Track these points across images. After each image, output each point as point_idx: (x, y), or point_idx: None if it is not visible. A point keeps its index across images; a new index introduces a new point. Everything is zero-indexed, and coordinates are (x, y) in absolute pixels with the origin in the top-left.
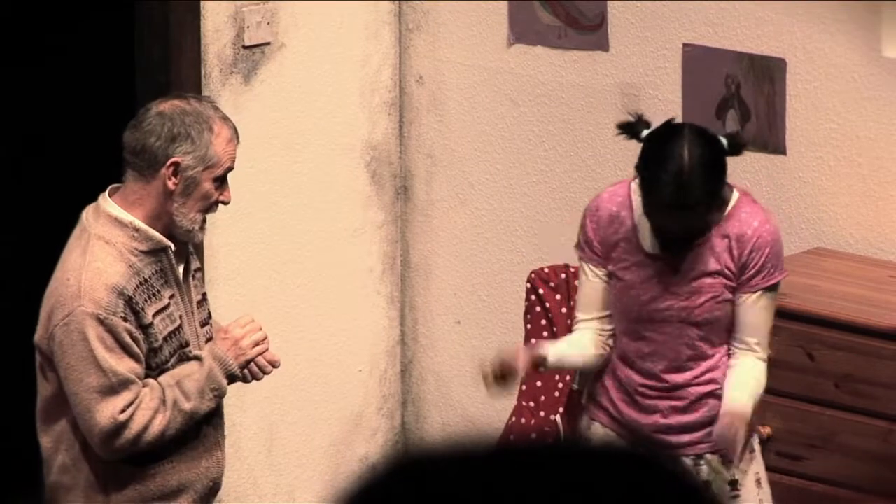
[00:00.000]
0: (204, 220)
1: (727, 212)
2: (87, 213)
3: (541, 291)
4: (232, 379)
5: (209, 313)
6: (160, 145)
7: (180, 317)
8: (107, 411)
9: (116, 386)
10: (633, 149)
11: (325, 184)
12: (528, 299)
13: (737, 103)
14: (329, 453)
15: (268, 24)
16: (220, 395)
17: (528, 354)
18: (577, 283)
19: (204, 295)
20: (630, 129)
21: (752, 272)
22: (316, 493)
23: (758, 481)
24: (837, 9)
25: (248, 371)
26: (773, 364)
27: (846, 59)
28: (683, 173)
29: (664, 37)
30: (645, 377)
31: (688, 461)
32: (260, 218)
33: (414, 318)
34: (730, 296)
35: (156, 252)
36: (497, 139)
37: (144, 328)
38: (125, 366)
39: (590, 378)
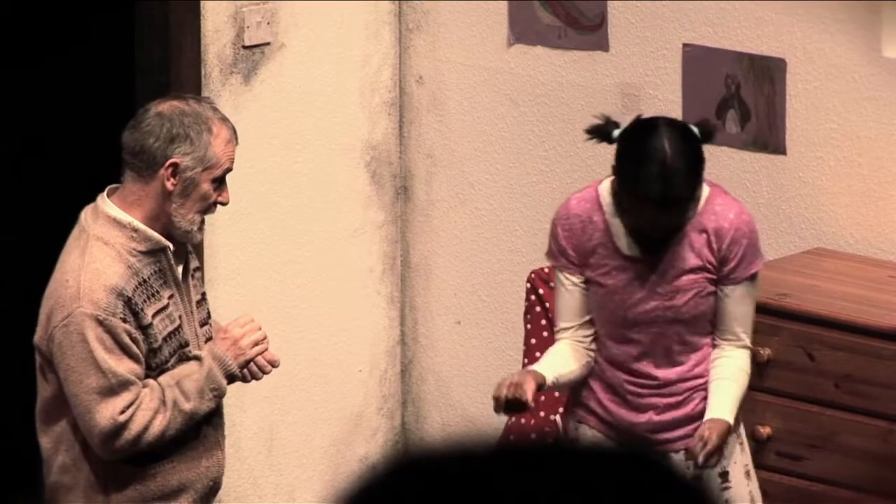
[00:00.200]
0: (202, 221)
1: (701, 206)
2: (86, 214)
3: (541, 291)
4: (231, 379)
5: (208, 313)
6: (159, 146)
7: (179, 317)
8: (106, 412)
9: (116, 387)
10: None
11: (325, 184)
12: (528, 299)
13: (737, 103)
14: (329, 453)
15: (268, 24)
16: (219, 395)
17: (533, 382)
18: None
19: (203, 295)
20: (600, 131)
21: (733, 264)
22: (316, 493)
23: (747, 473)
24: (837, 9)
25: (247, 371)
26: (773, 364)
27: (846, 59)
28: (667, 167)
29: (664, 37)
30: (637, 377)
31: (678, 456)
32: (260, 218)
33: (414, 318)
34: (712, 289)
35: (154, 252)
36: (497, 139)
37: (144, 329)
38: (125, 366)
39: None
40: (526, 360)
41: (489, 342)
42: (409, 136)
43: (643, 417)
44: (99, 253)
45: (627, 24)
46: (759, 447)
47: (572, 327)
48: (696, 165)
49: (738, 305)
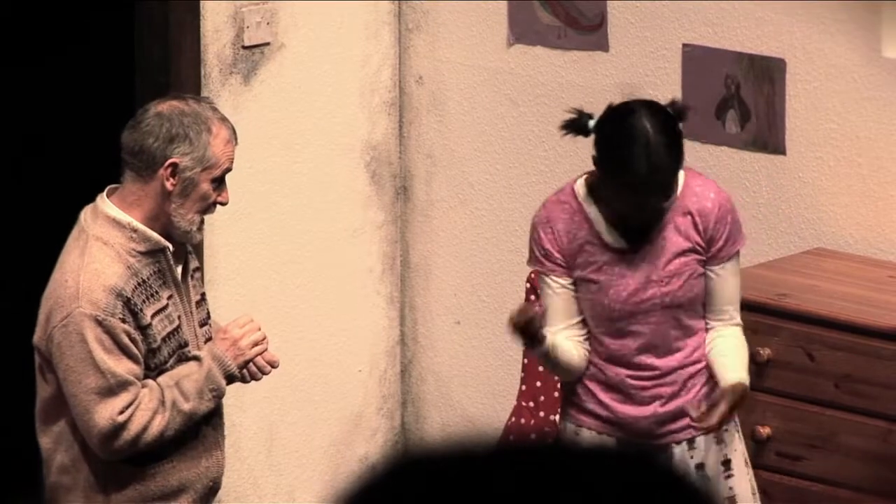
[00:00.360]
0: (202, 221)
1: (680, 189)
2: (86, 214)
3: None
4: (231, 379)
5: (208, 313)
6: (158, 146)
7: (179, 317)
8: (105, 412)
9: (115, 387)
10: None
11: (325, 184)
12: (527, 299)
13: (736, 103)
14: (329, 453)
15: (267, 24)
16: (218, 395)
17: (536, 311)
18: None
19: (203, 295)
20: (574, 125)
21: (720, 243)
22: (316, 493)
23: (745, 461)
24: (837, 9)
25: (247, 371)
26: (772, 364)
27: (846, 59)
28: (651, 145)
29: (664, 37)
30: (638, 370)
31: (681, 447)
32: (260, 218)
33: (414, 318)
34: (702, 270)
35: (154, 253)
36: (497, 139)
37: (143, 329)
38: (124, 367)
39: (569, 387)
40: (525, 361)
41: (489, 342)
42: (409, 137)
43: (648, 410)
44: (98, 253)
45: (627, 25)
46: (759, 447)
47: (562, 329)
48: (677, 140)
49: (727, 283)
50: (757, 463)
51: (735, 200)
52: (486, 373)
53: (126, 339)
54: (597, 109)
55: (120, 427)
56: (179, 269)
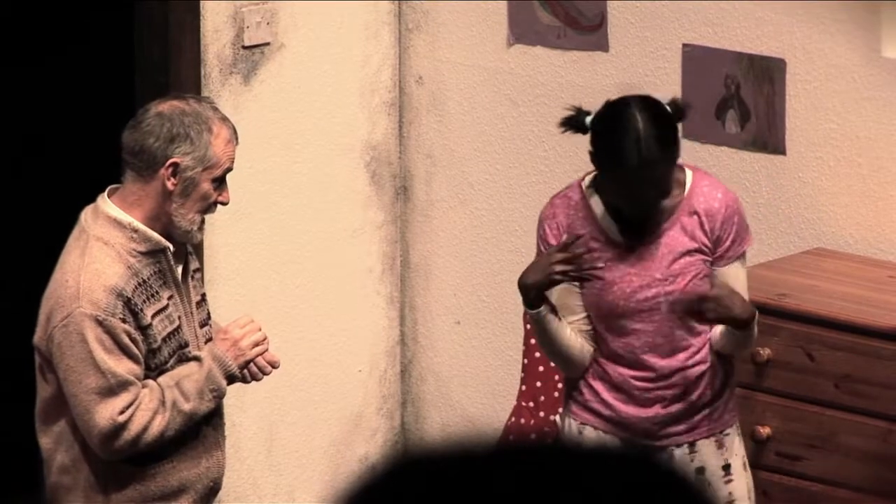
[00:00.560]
0: (202, 221)
1: (687, 189)
2: (86, 214)
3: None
4: (231, 379)
5: (208, 314)
6: (159, 146)
7: (179, 317)
8: (106, 412)
9: (115, 387)
10: None
11: (325, 184)
12: None
13: (736, 103)
14: (329, 453)
15: (267, 24)
16: (219, 395)
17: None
18: None
19: (203, 295)
20: (573, 122)
21: (727, 243)
22: (316, 493)
23: (744, 464)
24: (837, 9)
25: (247, 372)
26: (772, 364)
27: (846, 59)
28: (641, 138)
29: (664, 37)
30: (641, 370)
31: (682, 450)
32: (259, 218)
33: (413, 318)
34: (708, 270)
35: (154, 253)
36: (497, 139)
37: (143, 329)
38: (124, 367)
39: (572, 384)
40: (525, 361)
41: (489, 342)
42: (409, 137)
43: (650, 412)
44: (99, 253)
45: (627, 25)
46: (758, 447)
47: (568, 323)
48: (669, 131)
49: (733, 283)
50: (757, 463)
51: None
52: (486, 373)
53: (126, 340)
54: (596, 110)
55: (120, 427)
56: (180, 270)
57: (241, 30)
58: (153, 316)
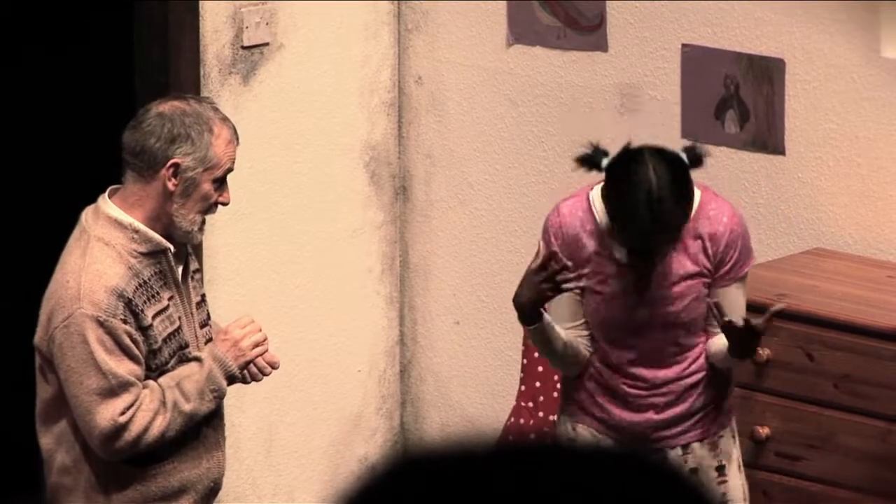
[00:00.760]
0: (203, 222)
1: (695, 210)
2: (87, 215)
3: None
4: (231, 380)
5: (208, 314)
6: (160, 146)
7: (179, 318)
8: (106, 413)
9: (116, 388)
10: None
11: (325, 184)
12: None
13: (736, 104)
14: (328, 454)
15: (267, 24)
16: (219, 396)
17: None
18: None
19: (203, 296)
20: (589, 161)
21: (728, 267)
22: (315, 493)
23: (739, 466)
24: (836, 9)
25: (247, 372)
26: (772, 364)
27: (845, 59)
28: (654, 200)
29: (663, 37)
30: (633, 379)
31: (676, 452)
32: (259, 218)
33: (413, 318)
34: (706, 292)
35: (155, 254)
36: (496, 139)
37: (144, 330)
38: (125, 368)
39: (568, 384)
40: (525, 361)
41: (488, 342)
42: (409, 137)
43: (642, 417)
44: (100, 254)
45: (626, 25)
46: (758, 447)
47: (567, 328)
48: (683, 195)
49: (731, 303)
50: (756, 463)
51: (734, 201)
52: (486, 373)
53: (127, 340)
54: (596, 110)
55: (121, 428)
56: (180, 270)
57: (240, 30)
58: (154, 317)
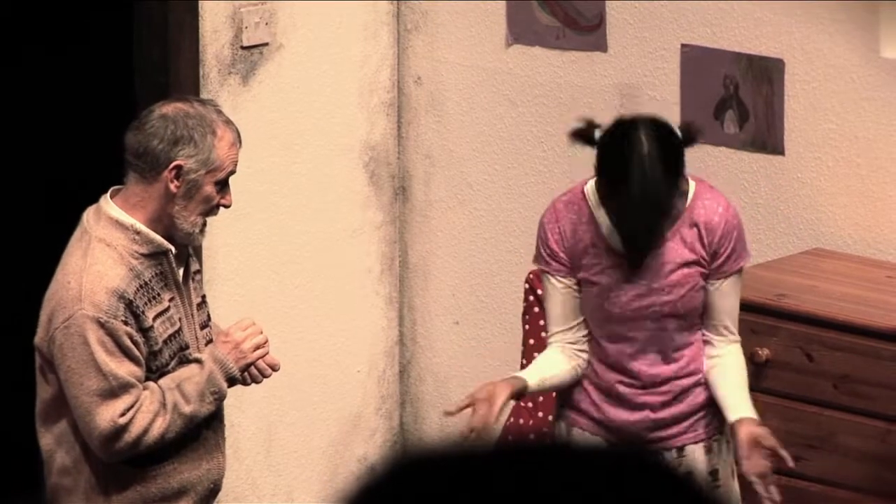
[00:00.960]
0: (204, 223)
1: (689, 201)
2: (88, 215)
3: (539, 292)
4: (232, 382)
5: (209, 315)
6: (163, 148)
7: (180, 319)
8: (107, 414)
9: (116, 389)
10: None
11: (324, 184)
12: (526, 300)
13: (735, 104)
14: (328, 454)
15: (266, 24)
16: (220, 397)
17: (509, 388)
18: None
19: (203, 297)
20: (582, 135)
21: (723, 258)
22: (314, 493)
23: (732, 472)
24: (836, 9)
25: (248, 374)
26: (771, 364)
27: (844, 59)
28: (645, 170)
29: (662, 37)
30: (630, 377)
31: (671, 454)
32: (258, 218)
33: (412, 318)
34: (703, 283)
35: (156, 255)
36: (495, 140)
37: (145, 331)
38: (125, 369)
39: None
40: (524, 361)
41: (487, 343)
42: (408, 137)
43: (638, 416)
44: (101, 255)
45: (626, 25)
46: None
47: (564, 330)
48: (675, 166)
49: (727, 299)
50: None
51: (734, 201)
52: (485, 373)
53: (128, 342)
54: (596, 110)
55: (121, 429)
56: (180, 272)
57: (239, 30)
58: (154, 318)
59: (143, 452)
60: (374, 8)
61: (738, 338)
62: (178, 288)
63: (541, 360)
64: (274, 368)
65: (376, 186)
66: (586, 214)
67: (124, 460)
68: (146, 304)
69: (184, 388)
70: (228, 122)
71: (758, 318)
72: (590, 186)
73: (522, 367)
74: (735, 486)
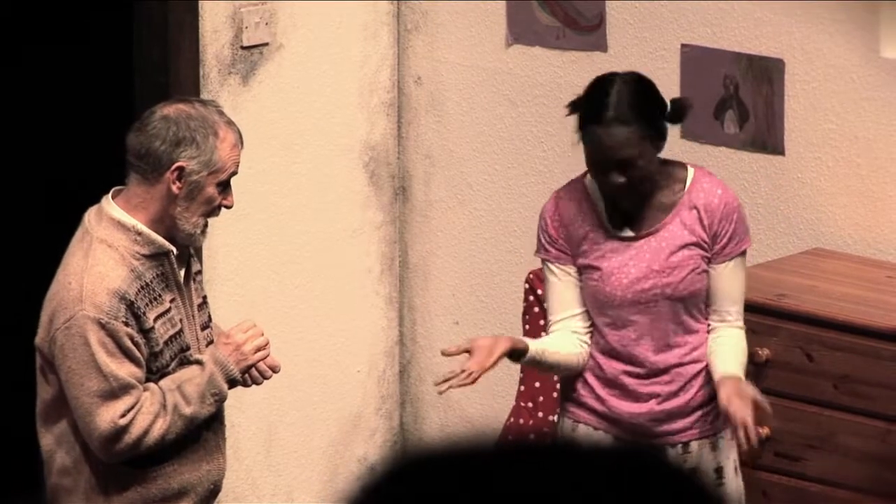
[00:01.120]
0: (206, 224)
1: (688, 185)
2: (90, 216)
3: (539, 292)
4: (233, 384)
5: (209, 316)
6: (165, 149)
7: (181, 320)
8: (107, 415)
9: (117, 390)
10: None
11: (324, 184)
12: (526, 300)
13: (735, 104)
14: (328, 454)
15: (266, 24)
16: (220, 399)
17: (509, 342)
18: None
19: (204, 298)
20: (576, 104)
21: (724, 241)
22: (314, 493)
23: (736, 468)
24: (836, 9)
25: (248, 376)
26: (771, 364)
27: (844, 59)
28: (614, 92)
29: (662, 37)
30: (633, 365)
31: (676, 451)
32: (258, 218)
33: (412, 318)
34: (706, 266)
35: (157, 256)
36: (495, 140)
37: (146, 332)
38: (126, 370)
39: (568, 381)
40: None
41: None
42: (408, 137)
43: (644, 408)
44: (102, 256)
45: (626, 25)
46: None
47: (565, 318)
48: (646, 103)
49: (729, 282)
50: (756, 464)
51: None
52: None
53: (129, 343)
54: None
55: (121, 430)
56: (182, 273)
57: (239, 30)
58: (155, 319)
59: (144, 453)
60: (374, 8)
61: (741, 324)
62: (179, 289)
63: (544, 338)
64: (274, 370)
65: (376, 186)
66: (585, 200)
67: (124, 461)
68: (147, 305)
69: (184, 389)
70: (230, 123)
71: (758, 318)
72: (588, 176)
73: (522, 367)
74: (739, 482)
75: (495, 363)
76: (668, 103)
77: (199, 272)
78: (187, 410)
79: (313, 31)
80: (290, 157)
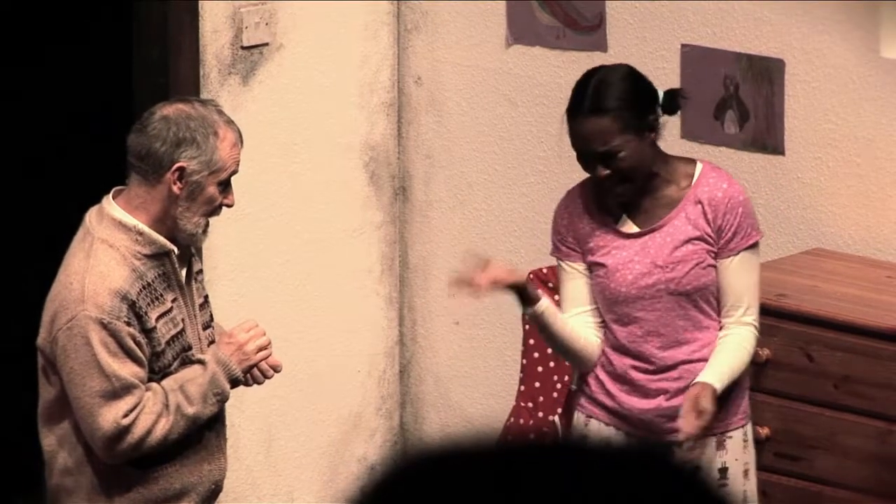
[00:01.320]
0: (207, 224)
1: (695, 179)
2: (91, 216)
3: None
4: (235, 383)
5: (211, 316)
6: (165, 150)
7: (183, 320)
8: (109, 416)
9: (119, 390)
10: None
11: (324, 184)
12: None
13: (735, 104)
14: (328, 454)
15: (266, 24)
16: (223, 399)
17: (524, 278)
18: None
19: (206, 297)
20: None
21: (729, 234)
22: (315, 493)
23: (745, 472)
24: (836, 9)
25: (250, 376)
26: (771, 364)
27: (845, 59)
28: (592, 84)
29: (663, 37)
30: (642, 361)
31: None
32: (258, 218)
33: (412, 318)
34: (713, 261)
35: (159, 256)
36: (495, 140)
37: (147, 332)
38: (128, 370)
39: (581, 375)
40: (524, 361)
41: (488, 343)
42: (408, 137)
43: (652, 403)
44: (104, 256)
45: (626, 25)
46: (757, 448)
47: (576, 314)
48: (625, 88)
49: (737, 277)
50: (756, 463)
51: None
52: (485, 373)
53: (131, 343)
54: None
55: (124, 430)
56: (183, 272)
57: (239, 30)
58: (157, 319)
59: (146, 454)
60: (374, 8)
61: (751, 321)
62: (180, 288)
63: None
64: (276, 370)
65: (376, 186)
66: (593, 198)
67: (126, 462)
68: (149, 304)
69: (187, 389)
70: (230, 123)
71: (759, 318)
72: None
73: (522, 367)
74: (747, 486)
75: (505, 285)
76: (662, 94)
77: (201, 271)
78: (190, 410)
79: (313, 31)
80: (290, 157)
